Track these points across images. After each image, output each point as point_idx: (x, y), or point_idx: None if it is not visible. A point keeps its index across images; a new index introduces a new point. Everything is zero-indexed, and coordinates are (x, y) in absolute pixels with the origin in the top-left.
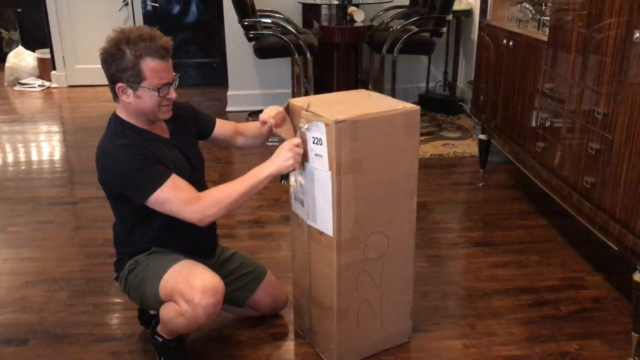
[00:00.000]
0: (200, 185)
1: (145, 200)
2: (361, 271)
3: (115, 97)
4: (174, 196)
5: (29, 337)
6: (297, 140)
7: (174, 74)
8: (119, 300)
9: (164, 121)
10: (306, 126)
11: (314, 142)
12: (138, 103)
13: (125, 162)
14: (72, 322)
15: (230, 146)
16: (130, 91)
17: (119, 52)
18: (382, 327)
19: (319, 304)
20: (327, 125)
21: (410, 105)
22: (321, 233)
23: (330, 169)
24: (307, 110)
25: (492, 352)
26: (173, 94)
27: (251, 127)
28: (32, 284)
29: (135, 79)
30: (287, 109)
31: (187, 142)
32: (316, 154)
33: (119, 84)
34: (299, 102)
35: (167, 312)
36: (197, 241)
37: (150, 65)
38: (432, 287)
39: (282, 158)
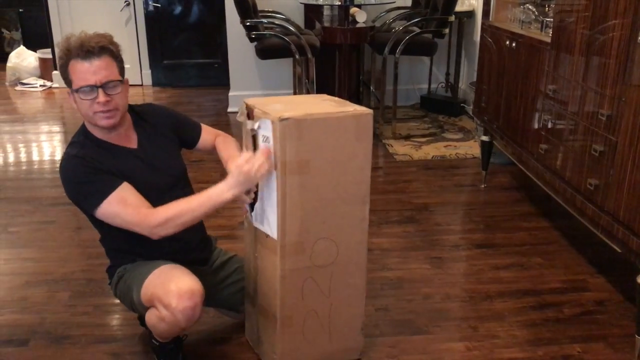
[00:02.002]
0: (183, 195)
1: (93, 212)
2: (307, 278)
3: None
4: (121, 210)
5: (29, 337)
6: (245, 155)
7: (115, 78)
8: (120, 301)
9: (133, 129)
10: (257, 124)
11: (263, 141)
12: (80, 110)
13: (75, 173)
14: (72, 322)
15: (207, 154)
16: (71, 97)
17: (59, 59)
18: (330, 340)
19: (263, 311)
20: (272, 122)
21: (362, 109)
22: (267, 236)
23: (276, 168)
24: (257, 109)
25: (495, 355)
26: (102, 98)
27: (222, 152)
28: (33, 284)
29: (69, 84)
30: (247, 109)
31: (160, 152)
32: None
33: (68, 91)
34: (254, 102)
35: (150, 317)
36: (183, 247)
37: (73, 67)
38: (434, 289)
39: (243, 180)
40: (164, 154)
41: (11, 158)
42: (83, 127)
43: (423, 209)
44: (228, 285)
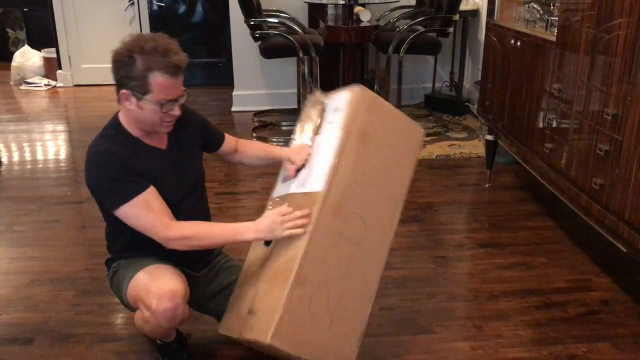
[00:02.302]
0: (198, 200)
1: (114, 210)
2: (333, 246)
3: (118, 101)
4: (142, 214)
5: (34, 336)
6: (285, 208)
7: (183, 89)
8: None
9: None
10: (327, 100)
11: (331, 112)
12: (139, 113)
13: (105, 169)
14: (77, 321)
15: (227, 161)
16: (133, 100)
17: (129, 60)
18: (329, 329)
19: (273, 273)
20: (351, 91)
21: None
22: (305, 195)
23: (341, 130)
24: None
25: (499, 354)
26: (177, 112)
27: (254, 148)
28: (38, 283)
29: (141, 90)
30: (317, 98)
31: (186, 156)
32: (329, 122)
33: (124, 91)
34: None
35: (136, 319)
36: (180, 254)
37: (158, 80)
38: (439, 289)
39: (272, 231)
40: (190, 157)
41: (16, 157)
42: (116, 121)
43: (427, 208)
44: (223, 298)
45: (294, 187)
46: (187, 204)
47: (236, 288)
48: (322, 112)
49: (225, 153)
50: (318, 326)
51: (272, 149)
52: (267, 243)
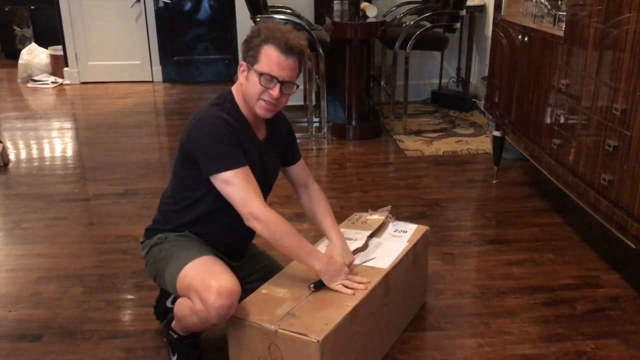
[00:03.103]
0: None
1: (214, 173)
2: (373, 313)
3: (235, 75)
4: (243, 185)
5: (42, 332)
6: (359, 286)
7: (294, 83)
8: (132, 297)
9: (264, 124)
10: (394, 221)
11: (395, 231)
12: (246, 86)
13: (217, 131)
14: (85, 318)
15: (292, 185)
16: (246, 71)
17: (256, 33)
18: None
19: (323, 301)
20: (419, 228)
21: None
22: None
23: (408, 242)
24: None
25: (507, 351)
26: (276, 92)
27: (320, 214)
28: (46, 280)
29: (252, 60)
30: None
31: (274, 156)
32: (396, 233)
33: (242, 63)
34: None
35: (181, 308)
36: (230, 241)
37: (268, 51)
38: (446, 285)
39: (332, 277)
40: (275, 158)
41: (23, 155)
42: (230, 95)
43: (434, 204)
44: (250, 282)
45: (358, 261)
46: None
47: (259, 290)
48: (380, 227)
49: (295, 179)
50: (341, 358)
51: (329, 230)
52: (316, 287)
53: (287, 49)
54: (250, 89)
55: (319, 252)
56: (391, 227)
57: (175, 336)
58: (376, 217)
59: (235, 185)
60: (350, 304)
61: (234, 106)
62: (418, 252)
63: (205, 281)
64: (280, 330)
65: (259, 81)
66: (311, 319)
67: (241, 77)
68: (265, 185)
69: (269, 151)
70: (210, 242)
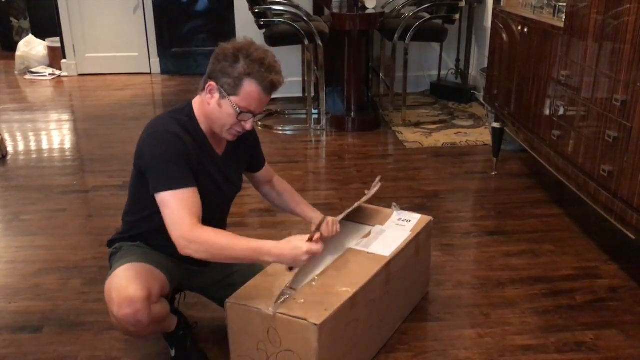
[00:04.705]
0: (226, 213)
1: (156, 192)
2: (373, 300)
3: (201, 90)
4: (177, 208)
5: (43, 324)
6: (317, 246)
7: (265, 111)
8: None
9: (227, 140)
10: (399, 210)
11: (399, 219)
12: (215, 110)
13: (168, 148)
14: (85, 309)
15: (258, 190)
16: (217, 95)
17: (233, 57)
18: (343, 355)
19: (322, 285)
20: (421, 217)
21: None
22: (368, 253)
23: (412, 231)
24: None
25: (507, 342)
26: (249, 126)
27: (291, 200)
28: (45, 271)
29: (229, 90)
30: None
31: (235, 169)
32: (398, 224)
33: (212, 83)
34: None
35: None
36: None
37: (251, 88)
38: (446, 276)
39: (292, 256)
40: (237, 170)
41: (21, 147)
42: (190, 109)
43: (433, 196)
44: (226, 286)
45: (355, 245)
46: (217, 213)
47: (259, 277)
48: (386, 215)
49: (260, 180)
50: (337, 348)
51: (307, 212)
52: (290, 267)
53: (271, 87)
54: (222, 118)
55: (265, 244)
56: (395, 215)
57: (165, 332)
58: (373, 192)
59: (171, 208)
60: (351, 290)
61: (192, 120)
62: (421, 241)
63: (109, 294)
64: (278, 314)
65: (236, 115)
66: (310, 303)
67: (210, 99)
68: (226, 200)
69: (230, 165)
70: (167, 252)
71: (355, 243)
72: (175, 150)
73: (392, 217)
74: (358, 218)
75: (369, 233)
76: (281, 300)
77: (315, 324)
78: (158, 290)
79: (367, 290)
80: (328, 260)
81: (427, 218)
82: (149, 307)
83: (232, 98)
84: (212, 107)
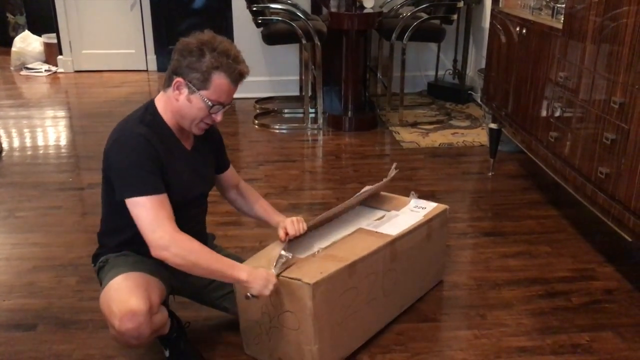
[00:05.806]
0: (202, 209)
1: (127, 197)
2: (374, 273)
3: (167, 87)
4: (153, 211)
5: (37, 322)
6: (274, 280)
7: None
8: None
9: (193, 134)
10: (416, 197)
11: (415, 206)
12: (184, 105)
13: (132, 153)
14: (80, 307)
15: (223, 195)
16: (185, 91)
17: (199, 52)
18: (336, 324)
19: (324, 256)
20: (438, 205)
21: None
22: (377, 232)
23: (424, 217)
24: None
25: (503, 343)
26: (219, 118)
27: (257, 205)
28: (40, 269)
29: (198, 85)
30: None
31: (204, 164)
32: (415, 209)
33: (179, 79)
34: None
35: (110, 333)
36: None
37: (221, 80)
38: (442, 277)
39: (261, 285)
40: (207, 166)
41: (17, 143)
42: (153, 107)
43: (430, 196)
44: (215, 287)
45: (366, 225)
46: (193, 209)
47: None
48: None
49: (226, 184)
50: (334, 312)
51: (273, 216)
52: (248, 296)
53: (239, 77)
54: (193, 112)
55: (240, 264)
56: (412, 202)
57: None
58: (390, 177)
59: (147, 211)
60: (350, 258)
61: (157, 118)
62: (434, 227)
63: (109, 307)
64: (270, 271)
65: (208, 109)
66: (309, 268)
67: (178, 95)
68: (199, 195)
69: (199, 159)
70: (152, 257)
71: (366, 224)
72: (144, 156)
73: (408, 204)
74: (375, 203)
75: (383, 216)
76: (280, 263)
77: (309, 283)
78: (158, 299)
79: (368, 262)
80: (336, 237)
81: (443, 206)
82: (150, 319)
83: (202, 92)
84: (180, 103)
